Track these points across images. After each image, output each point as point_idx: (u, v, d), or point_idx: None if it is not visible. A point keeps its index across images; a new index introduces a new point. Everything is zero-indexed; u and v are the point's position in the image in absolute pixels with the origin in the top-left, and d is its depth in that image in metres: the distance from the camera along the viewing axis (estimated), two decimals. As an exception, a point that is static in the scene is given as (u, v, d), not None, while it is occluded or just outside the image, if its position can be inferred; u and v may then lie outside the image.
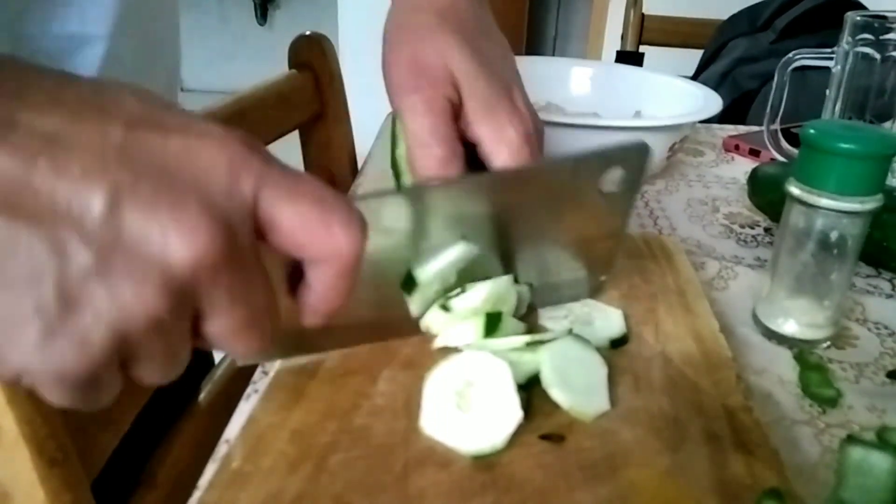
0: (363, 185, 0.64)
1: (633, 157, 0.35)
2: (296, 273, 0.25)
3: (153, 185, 0.19)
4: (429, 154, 0.36)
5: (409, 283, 0.35)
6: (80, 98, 0.20)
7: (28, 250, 0.18)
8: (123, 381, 0.22)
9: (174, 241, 0.19)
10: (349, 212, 0.23)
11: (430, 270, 0.35)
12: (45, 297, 0.18)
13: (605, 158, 0.35)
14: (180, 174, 0.20)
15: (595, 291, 0.42)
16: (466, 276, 0.36)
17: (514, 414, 0.30)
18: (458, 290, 0.36)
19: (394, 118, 0.39)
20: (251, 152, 0.22)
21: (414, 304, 0.36)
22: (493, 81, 0.37)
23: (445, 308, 0.35)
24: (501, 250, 0.37)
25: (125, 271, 0.19)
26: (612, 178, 0.36)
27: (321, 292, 0.24)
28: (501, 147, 0.36)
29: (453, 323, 0.36)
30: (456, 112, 0.37)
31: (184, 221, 0.19)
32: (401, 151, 0.39)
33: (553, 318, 0.39)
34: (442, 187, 0.35)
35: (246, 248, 0.21)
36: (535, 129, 0.38)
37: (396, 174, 0.41)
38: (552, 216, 0.37)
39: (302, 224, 0.22)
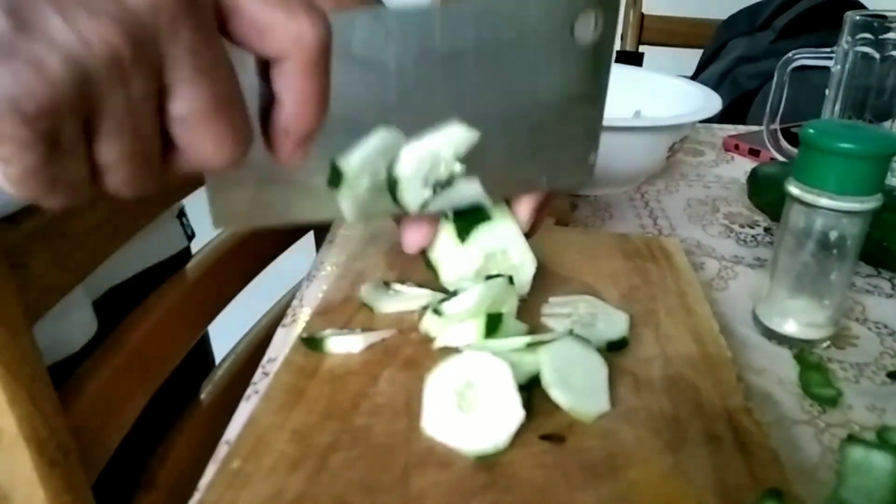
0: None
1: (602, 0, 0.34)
2: (265, 112, 0.24)
3: None
4: None
5: (334, 177, 0.32)
6: None
7: None
8: (92, 172, 0.21)
9: None
10: (310, 1, 0.22)
11: (355, 160, 0.32)
12: None
13: None
14: None
15: (587, 174, 0.39)
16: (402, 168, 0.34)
17: (516, 413, 0.30)
18: (451, 293, 0.36)
19: None
20: None
21: (345, 202, 0.33)
22: None
23: (437, 312, 0.35)
24: (467, 107, 0.35)
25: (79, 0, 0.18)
26: (585, 27, 0.34)
27: (291, 102, 0.23)
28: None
29: (450, 325, 0.36)
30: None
31: None
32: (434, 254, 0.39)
33: (555, 318, 0.39)
34: (414, 13, 0.32)
35: (205, 10, 0.20)
36: None
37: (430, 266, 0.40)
38: (523, 66, 0.35)
39: (261, 5, 0.21)
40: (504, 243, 0.38)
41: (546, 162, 0.38)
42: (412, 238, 0.38)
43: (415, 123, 0.34)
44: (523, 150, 0.37)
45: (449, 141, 0.34)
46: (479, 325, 0.35)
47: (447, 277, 0.39)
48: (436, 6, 0.33)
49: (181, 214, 0.58)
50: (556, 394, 0.31)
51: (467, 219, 0.38)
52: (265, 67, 0.23)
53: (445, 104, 0.34)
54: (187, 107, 0.21)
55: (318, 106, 0.23)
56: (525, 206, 0.39)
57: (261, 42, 0.22)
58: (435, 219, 0.38)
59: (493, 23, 0.33)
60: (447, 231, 0.39)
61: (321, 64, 0.22)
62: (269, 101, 0.24)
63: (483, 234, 0.38)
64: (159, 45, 0.20)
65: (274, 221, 0.34)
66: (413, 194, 0.35)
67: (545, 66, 0.35)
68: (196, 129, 0.21)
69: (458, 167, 0.35)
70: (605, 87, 0.38)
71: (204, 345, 0.63)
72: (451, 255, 0.39)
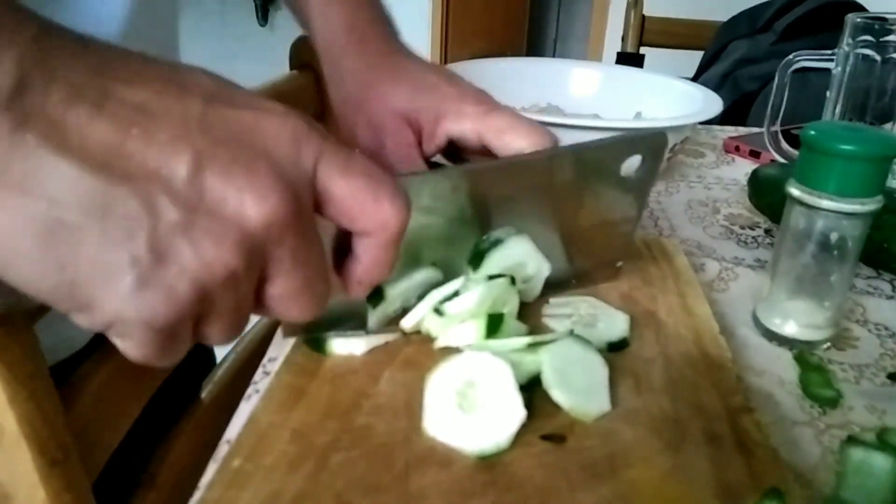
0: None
1: (652, 145, 0.38)
2: (341, 248, 0.27)
3: (229, 152, 0.21)
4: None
5: (376, 296, 0.36)
6: (162, 74, 0.22)
7: (124, 207, 0.20)
8: (193, 339, 0.24)
9: (249, 202, 0.21)
10: (396, 187, 0.25)
11: (398, 288, 0.36)
12: (138, 250, 0.20)
13: (627, 144, 0.37)
14: (251, 143, 0.22)
15: (612, 277, 0.43)
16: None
17: (517, 413, 0.30)
18: (452, 293, 0.36)
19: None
20: (311, 128, 0.24)
21: (373, 317, 0.36)
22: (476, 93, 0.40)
23: (439, 312, 0.35)
24: (526, 233, 0.38)
25: (207, 229, 0.21)
26: (631, 165, 0.38)
27: (366, 264, 0.26)
28: (465, 119, 0.39)
29: (451, 325, 0.36)
30: (418, 137, 0.40)
31: (256, 184, 0.21)
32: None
33: (556, 318, 0.39)
34: (477, 169, 0.37)
35: (308, 213, 0.23)
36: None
37: None
38: (574, 200, 0.39)
39: (354, 196, 0.24)
40: (519, 258, 0.38)
41: (580, 270, 0.42)
42: None
43: (466, 247, 0.38)
44: (564, 261, 0.41)
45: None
46: (480, 325, 0.35)
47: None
48: (501, 162, 0.38)
49: None
50: (557, 394, 0.32)
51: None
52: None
53: (496, 233, 0.38)
54: (282, 290, 0.24)
55: (389, 266, 0.27)
56: None
57: (350, 224, 0.25)
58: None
59: (553, 169, 0.37)
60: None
61: (398, 240, 0.26)
62: (344, 245, 0.27)
63: (496, 257, 0.38)
64: (268, 252, 0.23)
65: (336, 330, 0.37)
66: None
67: (594, 197, 0.39)
68: (287, 304, 0.24)
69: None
70: (641, 211, 0.41)
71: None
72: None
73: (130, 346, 0.22)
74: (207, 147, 0.21)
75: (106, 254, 0.20)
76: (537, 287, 0.40)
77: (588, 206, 0.40)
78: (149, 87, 0.21)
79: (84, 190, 0.20)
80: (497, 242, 0.37)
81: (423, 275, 0.37)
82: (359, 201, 0.24)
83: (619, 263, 0.43)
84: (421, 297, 0.37)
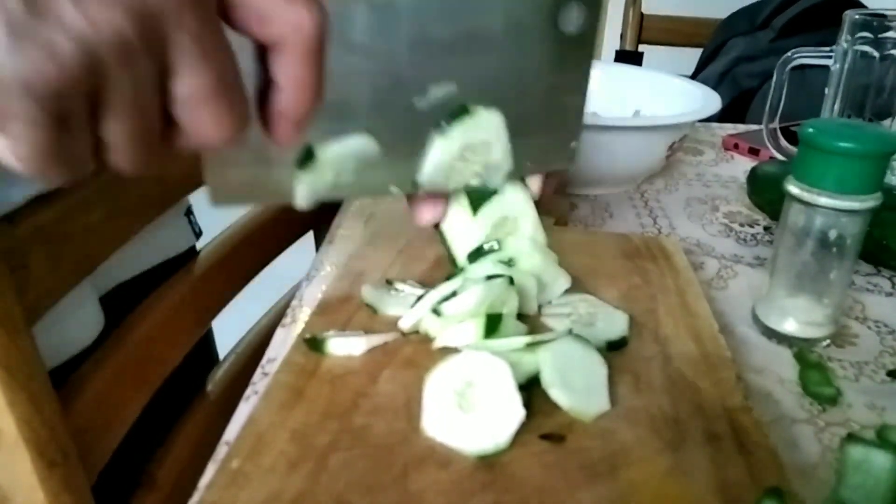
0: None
1: None
2: (264, 95, 0.25)
3: None
4: None
5: (306, 158, 0.33)
6: None
7: None
8: (95, 149, 0.22)
9: None
10: None
11: (331, 151, 0.34)
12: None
13: None
14: None
15: (569, 160, 0.41)
16: (366, 179, 0.35)
17: (517, 412, 0.30)
18: (450, 293, 0.36)
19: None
20: None
21: (302, 185, 0.34)
22: None
23: (437, 313, 0.35)
24: (465, 92, 0.36)
25: None
26: (569, 17, 0.36)
27: (288, 86, 0.24)
28: None
29: (449, 325, 0.36)
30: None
31: None
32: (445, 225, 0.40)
33: (555, 317, 0.39)
34: (406, 2, 0.33)
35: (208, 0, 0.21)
36: None
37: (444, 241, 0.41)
38: (513, 56, 0.36)
39: None
40: (515, 211, 0.38)
41: (530, 148, 0.39)
42: (425, 213, 0.39)
43: (404, 110, 0.35)
44: (511, 136, 0.38)
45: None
46: (479, 325, 0.35)
47: (460, 249, 0.40)
48: None
49: (188, 212, 0.58)
50: (556, 394, 0.31)
51: (479, 192, 0.39)
52: (263, 52, 0.24)
53: (434, 91, 0.35)
54: (189, 88, 0.22)
55: (313, 91, 0.24)
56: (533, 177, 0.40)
57: (260, 29, 0.23)
58: (447, 194, 0.39)
59: (481, 13, 0.34)
60: (460, 204, 0.39)
61: (318, 51, 0.23)
62: (266, 85, 0.24)
63: (494, 205, 0.39)
64: (165, 30, 0.20)
65: (267, 199, 0.35)
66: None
67: (531, 56, 0.37)
68: (197, 109, 0.22)
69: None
70: (587, 77, 0.39)
71: (207, 343, 0.63)
72: (464, 227, 0.39)
73: (17, 134, 0.20)
74: None
75: None
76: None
77: (528, 65, 0.37)
78: None
79: None
80: (493, 190, 0.37)
81: (356, 142, 0.34)
82: (267, 1, 0.22)
83: (574, 144, 0.41)
84: (355, 170, 0.35)
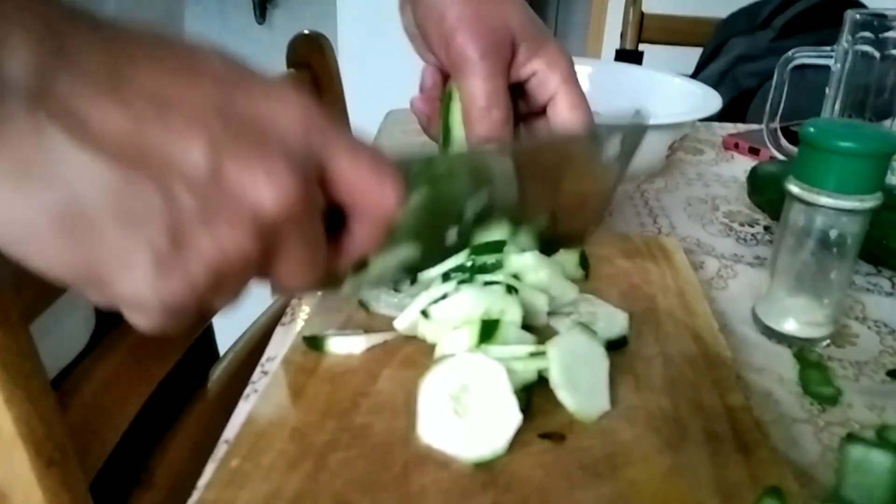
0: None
1: (633, 126, 0.40)
2: (331, 220, 0.27)
3: (243, 138, 0.22)
4: (489, 117, 0.39)
5: (360, 267, 0.36)
6: (175, 56, 0.22)
7: (142, 196, 0.20)
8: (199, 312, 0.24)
9: (264, 188, 0.21)
10: (395, 172, 0.26)
11: (381, 261, 0.36)
12: (157, 238, 0.21)
13: (608, 129, 0.40)
14: (264, 128, 0.22)
15: (589, 237, 0.46)
16: (406, 271, 0.39)
17: (513, 417, 0.29)
18: (440, 296, 0.36)
19: (449, 88, 0.41)
20: (320, 110, 0.24)
21: (350, 284, 0.37)
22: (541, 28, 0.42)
23: (424, 314, 0.35)
24: (513, 207, 0.39)
25: (223, 216, 0.21)
26: (612, 149, 0.40)
27: (359, 238, 0.27)
28: (556, 72, 0.40)
29: (439, 329, 0.35)
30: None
31: (271, 170, 0.22)
32: (455, 117, 0.41)
33: (556, 317, 0.39)
34: (477, 152, 0.38)
35: (317, 195, 0.24)
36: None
37: (446, 139, 0.42)
38: (558, 181, 0.41)
39: (360, 178, 0.25)
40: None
41: (557, 233, 0.43)
42: None
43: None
44: (541, 229, 0.42)
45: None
46: (473, 331, 0.34)
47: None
48: (492, 147, 0.39)
49: None
50: (564, 395, 0.31)
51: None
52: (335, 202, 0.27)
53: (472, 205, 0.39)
54: (289, 268, 0.24)
55: (378, 241, 0.27)
56: None
57: (351, 202, 0.26)
58: None
59: (535, 160, 0.39)
60: None
61: (391, 219, 0.27)
62: (334, 221, 0.27)
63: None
64: (279, 236, 0.23)
65: (320, 291, 0.39)
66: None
67: (574, 176, 0.41)
68: (289, 277, 0.25)
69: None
70: (620, 180, 0.43)
71: (207, 341, 0.62)
72: None
73: (142, 322, 0.23)
74: (221, 133, 0.21)
75: (124, 242, 0.20)
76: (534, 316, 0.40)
77: (569, 183, 0.41)
78: (162, 71, 0.21)
79: (102, 179, 0.20)
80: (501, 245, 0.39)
81: (403, 251, 0.37)
82: (363, 183, 0.25)
83: (593, 228, 0.46)
84: (396, 272, 0.38)
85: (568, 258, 0.42)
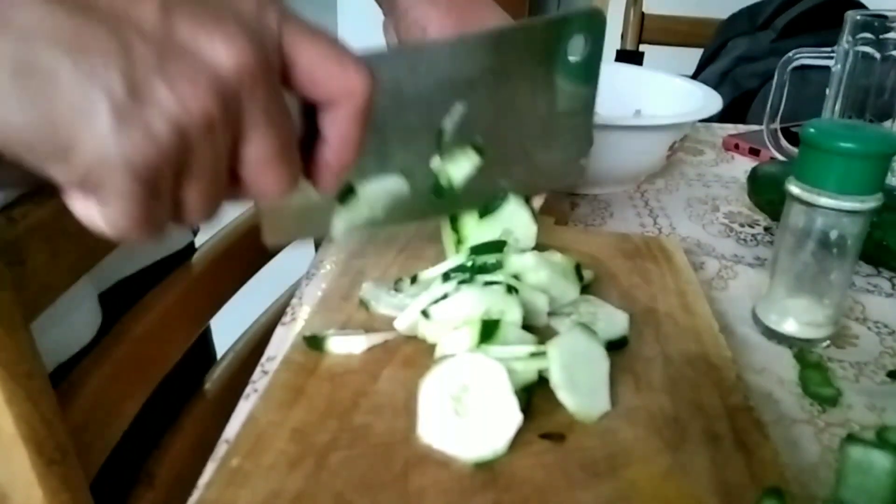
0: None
1: (590, 22, 0.40)
2: (308, 142, 0.27)
3: (198, 4, 0.22)
4: None
5: (346, 196, 0.37)
6: None
7: (96, 42, 0.20)
8: (173, 210, 0.24)
9: (220, 48, 0.22)
10: (359, 58, 0.25)
11: (370, 189, 0.37)
12: (114, 86, 0.20)
13: (566, 23, 0.40)
14: (220, 1, 0.22)
15: (579, 176, 0.46)
16: (395, 214, 0.40)
17: (514, 417, 0.29)
18: (440, 296, 0.36)
19: None
20: None
21: (340, 219, 0.37)
22: None
23: (425, 314, 0.35)
24: (483, 121, 0.40)
25: (181, 70, 0.21)
26: (576, 47, 0.41)
27: (335, 142, 0.26)
28: None
29: (440, 329, 0.35)
30: None
31: (225, 30, 0.22)
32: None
33: (557, 317, 0.39)
34: (434, 48, 0.38)
35: (275, 72, 0.23)
36: None
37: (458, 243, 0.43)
38: (527, 86, 0.41)
39: (320, 60, 0.24)
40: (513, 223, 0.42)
41: (543, 166, 0.44)
42: None
43: (431, 144, 0.39)
44: (524, 158, 0.43)
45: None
46: (474, 331, 0.34)
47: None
48: (450, 40, 0.39)
49: None
50: (564, 395, 0.31)
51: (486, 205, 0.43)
52: (308, 106, 0.26)
53: (459, 124, 0.39)
54: (258, 153, 0.24)
55: (357, 144, 0.27)
56: None
57: (315, 90, 0.25)
58: None
59: (499, 52, 0.39)
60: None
61: (365, 112, 0.26)
62: (311, 136, 0.27)
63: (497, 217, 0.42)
64: (241, 103, 0.23)
65: (313, 234, 0.39)
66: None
67: (543, 83, 0.41)
68: (262, 170, 0.24)
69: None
70: (594, 99, 0.43)
71: (205, 341, 0.62)
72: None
73: (111, 203, 0.22)
74: None
75: (82, 90, 0.20)
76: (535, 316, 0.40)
77: (541, 92, 0.41)
78: None
79: (55, 25, 0.20)
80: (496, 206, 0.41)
81: (391, 182, 0.38)
82: (324, 66, 0.24)
83: (583, 160, 0.45)
84: (387, 207, 0.39)
85: (566, 264, 0.42)
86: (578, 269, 0.42)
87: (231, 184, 0.25)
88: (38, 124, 0.20)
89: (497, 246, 0.40)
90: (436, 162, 0.40)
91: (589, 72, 0.42)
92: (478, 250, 0.40)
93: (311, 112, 0.26)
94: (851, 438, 0.30)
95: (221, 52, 0.22)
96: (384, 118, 0.36)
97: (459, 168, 0.41)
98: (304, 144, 0.27)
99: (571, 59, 0.41)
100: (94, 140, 0.21)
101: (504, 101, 0.40)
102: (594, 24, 0.40)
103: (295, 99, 0.25)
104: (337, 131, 0.26)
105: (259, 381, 0.38)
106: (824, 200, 0.37)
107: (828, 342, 0.42)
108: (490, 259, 0.39)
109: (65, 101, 0.20)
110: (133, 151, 0.21)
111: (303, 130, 0.27)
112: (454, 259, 0.39)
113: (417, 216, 0.41)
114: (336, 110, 0.26)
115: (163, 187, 0.22)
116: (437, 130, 0.39)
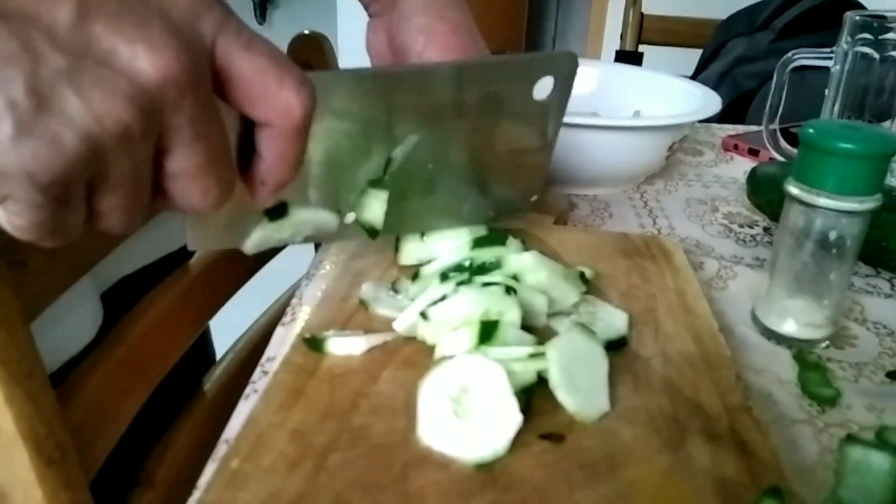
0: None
1: (562, 65, 0.38)
2: (246, 152, 0.26)
3: (118, 2, 0.20)
4: None
5: (278, 212, 0.35)
6: None
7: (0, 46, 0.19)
8: (87, 217, 0.22)
9: (141, 56, 0.20)
10: (301, 74, 0.24)
11: (302, 214, 0.36)
12: (16, 93, 0.19)
13: (537, 63, 0.38)
14: (146, 1, 0.21)
15: (528, 209, 0.46)
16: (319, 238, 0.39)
17: (514, 418, 0.29)
18: (440, 298, 0.36)
19: None
20: (213, 1, 0.22)
21: (257, 234, 0.35)
22: None
23: (424, 316, 0.35)
24: (438, 152, 0.39)
25: (96, 79, 0.20)
26: (544, 86, 0.39)
27: (270, 159, 0.25)
28: None
29: (439, 330, 0.35)
30: None
31: (149, 37, 0.20)
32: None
33: (556, 318, 0.39)
34: (392, 72, 0.37)
35: (206, 83, 0.22)
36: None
37: None
38: (488, 121, 0.39)
39: (256, 76, 0.23)
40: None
41: (494, 200, 0.43)
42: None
43: (378, 171, 0.38)
44: (477, 190, 0.42)
45: None
46: (473, 332, 0.34)
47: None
48: (413, 68, 0.38)
49: None
50: (564, 396, 0.31)
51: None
52: (247, 121, 0.25)
53: (414, 153, 0.38)
54: (182, 166, 0.22)
55: (294, 163, 0.25)
56: None
57: (252, 109, 0.24)
58: None
59: (466, 84, 0.37)
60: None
61: (302, 132, 0.24)
62: (247, 147, 0.25)
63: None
64: (164, 116, 0.21)
65: (238, 245, 0.37)
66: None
67: (505, 120, 0.40)
68: (188, 184, 0.23)
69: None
70: (554, 139, 0.42)
71: (204, 342, 0.62)
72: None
73: (17, 212, 0.20)
74: None
75: None
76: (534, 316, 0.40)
77: (502, 129, 0.40)
78: None
79: None
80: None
81: (324, 216, 0.37)
82: (261, 82, 0.23)
83: (535, 197, 0.45)
84: (308, 239, 0.38)
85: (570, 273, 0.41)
86: (583, 275, 0.42)
87: (157, 194, 0.23)
88: None
89: (499, 238, 0.40)
90: (349, 216, 0.39)
91: (554, 112, 0.40)
92: (479, 243, 0.40)
93: (251, 122, 0.25)
94: (850, 439, 0.30)
95: (143, 61, 0.20)
96: (335, 141, 0.34)
97: (370, 210, 0.39)
98: (244, 152, 0.26)
99: (538, 98, 0.39)
100: None
101: (462, 134, 0.39)
102: (566, 65, 0.39)
103: (232, 109, 0.24)
104: (272, 149, 0.25)
105: (259, 382, 0.38)
106: (823, 201, 0.37)
107: (827, 343, 0.42)
108: (489, 259, 0.39)
109: None
110: (35, 162, 0.19)
111: (243, 139, 0.26)
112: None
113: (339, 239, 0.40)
114: (272, 129, 0.24)
115: (74, 196, 0.21)
116: (386, 159, 0.37)
